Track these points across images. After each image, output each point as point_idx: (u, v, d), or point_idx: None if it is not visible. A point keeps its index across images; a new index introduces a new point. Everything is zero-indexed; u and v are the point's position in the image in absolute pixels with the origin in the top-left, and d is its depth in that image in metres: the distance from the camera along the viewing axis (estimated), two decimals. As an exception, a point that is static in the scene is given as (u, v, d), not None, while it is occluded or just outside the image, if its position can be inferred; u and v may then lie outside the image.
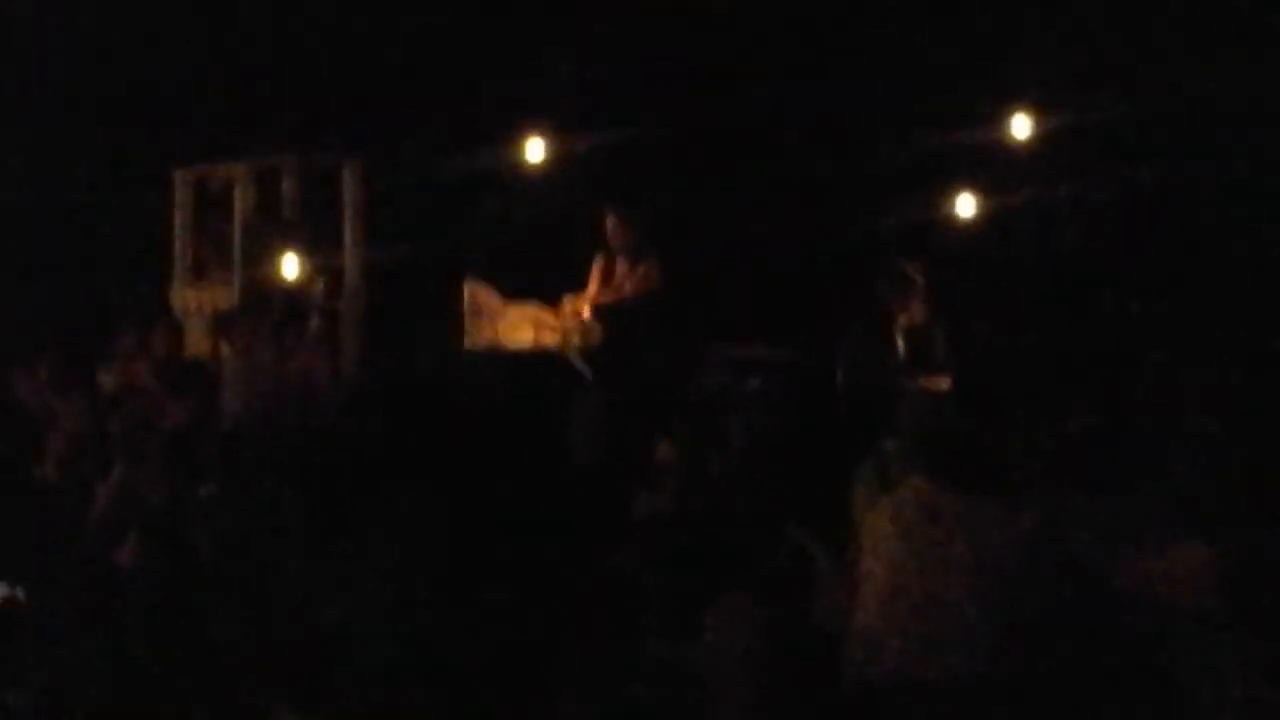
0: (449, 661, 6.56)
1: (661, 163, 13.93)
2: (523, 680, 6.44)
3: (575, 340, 11.79)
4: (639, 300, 11.88)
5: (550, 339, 11.82)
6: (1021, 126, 13.77)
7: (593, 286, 12.07)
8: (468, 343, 11.92)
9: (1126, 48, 13.38)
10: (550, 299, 12.08)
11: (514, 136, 13.92)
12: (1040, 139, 13.78)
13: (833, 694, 5.69)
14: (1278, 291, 12.55)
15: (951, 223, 13.89)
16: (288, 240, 13.52)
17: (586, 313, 11.95)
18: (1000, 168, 13.80)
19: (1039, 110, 13.74)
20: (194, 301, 13.94)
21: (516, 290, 12.16)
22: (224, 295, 13.69)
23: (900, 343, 11.45)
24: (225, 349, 12.90)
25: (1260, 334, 11.98)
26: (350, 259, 13.61)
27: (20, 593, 7.50)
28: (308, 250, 13.48)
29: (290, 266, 13.35)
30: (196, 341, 13.52)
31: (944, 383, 11.15)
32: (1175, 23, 13.26)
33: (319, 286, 13.57)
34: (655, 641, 6.33)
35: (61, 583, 7.59)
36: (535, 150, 13.93)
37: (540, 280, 12.40)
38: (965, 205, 13.87)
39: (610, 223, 12.05)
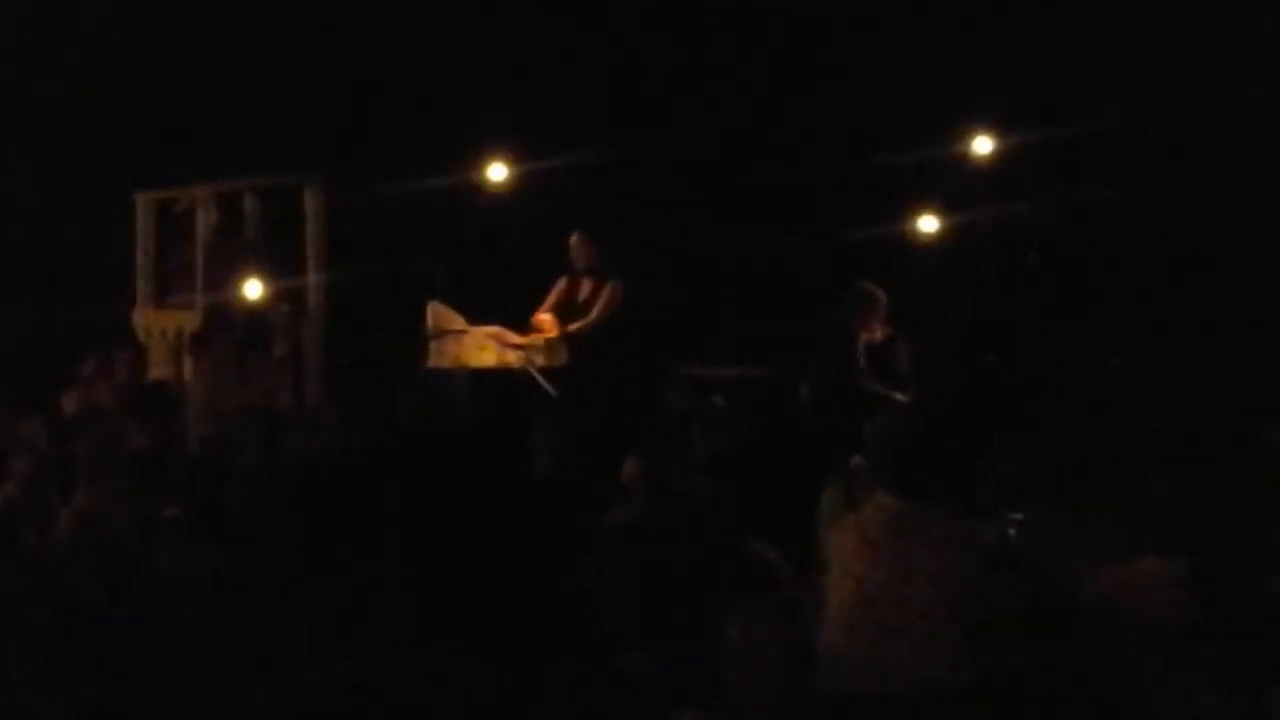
0: (415, 678, 6.54)
1: (625, 183, 13.94)
2: (491, 694, 6.43)
3: (539, 359, 11.79)
4: (606, 321, 11.89)
5: (513, 358, 11.82)
6: (983, 145, 13.82)
7: (550, 302, 12.07)
8: (431, 363, 11.91)
9: (1086, 67, 13.43)
10: (513, 320, 12.08)
11: (477, 158, 13.92)
12: (1001, 157, 13.82)
13: (799, 706, 5.69)
14: (1239, 307, 12.61)
15: (914, 241, 13.92)
16: (250, 262, 13.51)
17: (545, 325, 11.95)
18: (962, 186, 13.83)
19: (1000, 129, 13.79)
20: (156, 324, 13.92)
21: (479, 312, 12.16)
22: (187, 318, 13.68)
23: (862, 360, 11.47)
24: (189, 371, 12.86)
25: (1223, 348, 12.05)
26: (313, 280, 13.60)
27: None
28: (270, 272, 13.46)
29: (253, 289, 13.33)
30: (159, 364, 13.49)
31: (906, 399, 11.18)
32: (1133, 42, 13.32)
33: (285, 310, 13.55)
34: (621, 655, 6.33)
35: (21, 606, 7.54)
36: (498, 172, 13.94)
37: (503, 301, 12.40)
38: (927, 223, 13.91)
39: (574, 242, 12.06)
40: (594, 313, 11.94)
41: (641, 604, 6.69)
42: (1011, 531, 7.21)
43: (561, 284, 12.14)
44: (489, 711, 6.42)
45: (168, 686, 6.84)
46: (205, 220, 13.85)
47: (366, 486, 8.34)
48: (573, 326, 11.93)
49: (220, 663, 6.87)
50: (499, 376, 11.73)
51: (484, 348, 11.90)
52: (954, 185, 13.86)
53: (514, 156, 13.94)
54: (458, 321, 11.97)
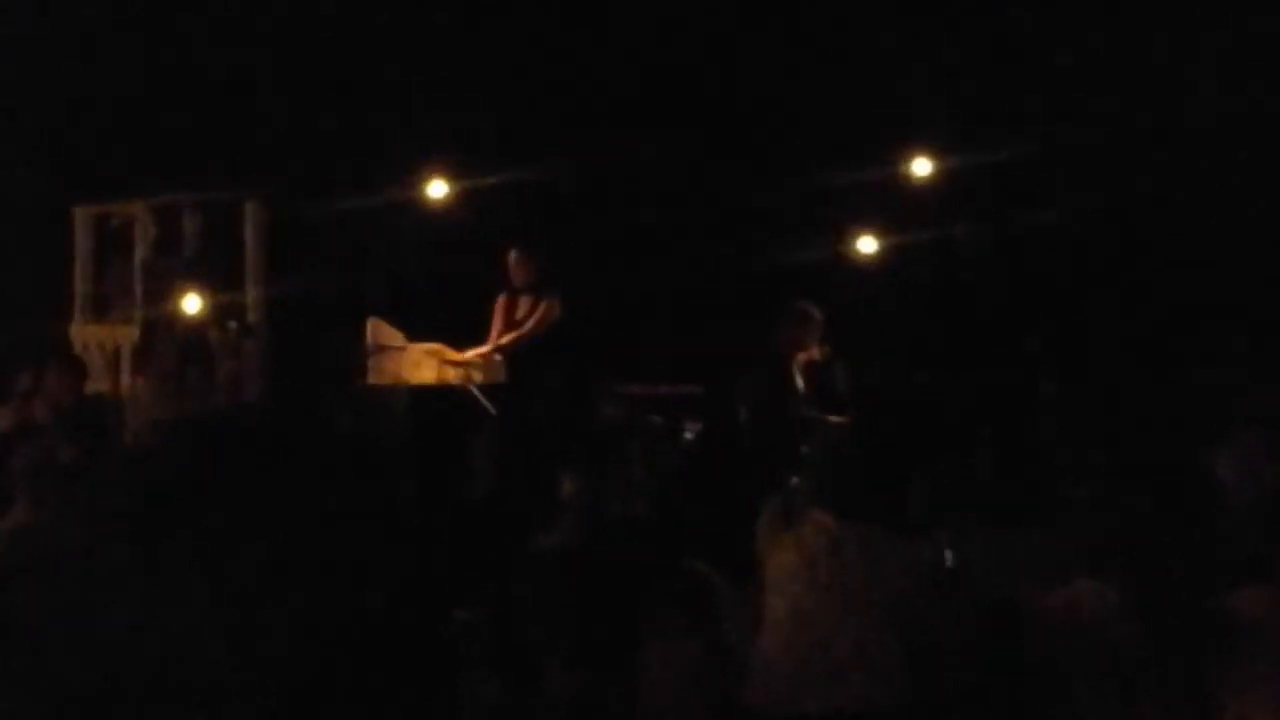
0: (342, 695, 6.53)
1: (563, 201, 13.96)
2: (422, 710, 6.43)
3: (478, 376, 11.79)
4: (541, 336, 11.89)
5: (452, 375, 11.82)
6: (922, 166, 13.88)
7: (497, 324, 12.07)
8: (370, 379, 11.89)
9: (1022, 88, 13.52)
10: (452, 337, 12.07)
11: (417, 175, 13.92)
12: (938, 179, 13.89)
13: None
14: (1172, 326, 12.71)
15: (852, 261, 13.97)
16: (189, 278, 13.46)
17: (490, 349, 11.97)
18: (900, 207, 13.89)
19: (937, 150, 13.85)
20: (94, 339, 13.84)
21: (419, 329, 12.15)
22: (125, 333, 13.61)
23: (800, 380, 11.49)
24: (127, 386, 12.79)
25: (1155, 368, 12.14)
26: (252, 296, 13.57)
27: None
28: (209, 287, 13.42)
29: (191, 304, 13.29)
30: (96, 379, 13.40)
31: (843, 419, 11.21)
32: (1067, 62, 13.41)
33: (233, 327, 13.49)
34: (554, 674, 6.34)
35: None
36: (437, 189, 13.95)
37: (443, 318, 12.39)
38: (866, 244, 13.96)
39: (512, 260, 12.05)
40: (528, 326, 11.93)
41: (571, 624, 6.70)
42: (948, 552, 7.23)
43: (501, 301, 12.13)
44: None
45: (101, 703, 6.80)
46: (144, 235, 13.80)
47: (298, 499, 8.32)
48: (505, 339, 11.94)
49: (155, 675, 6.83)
50: (438, 393, 11.73)
51: (423, 364, 11.90)
52: (892, 206, 13.92)
53: (453, 174, 13.95)
54: (397, 338, 11.97)
